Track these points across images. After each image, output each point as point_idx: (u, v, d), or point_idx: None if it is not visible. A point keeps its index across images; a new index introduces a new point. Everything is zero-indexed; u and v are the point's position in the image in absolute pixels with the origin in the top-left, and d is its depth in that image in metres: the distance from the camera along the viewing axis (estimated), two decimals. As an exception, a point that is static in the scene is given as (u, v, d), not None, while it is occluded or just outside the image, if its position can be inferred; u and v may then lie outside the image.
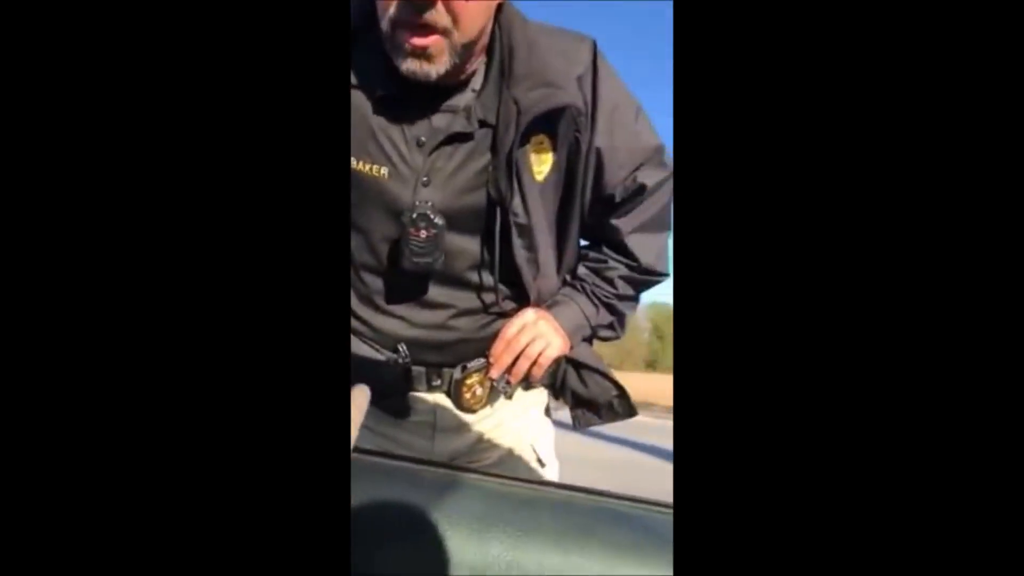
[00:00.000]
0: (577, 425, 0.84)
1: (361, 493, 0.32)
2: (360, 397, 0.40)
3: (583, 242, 0.85)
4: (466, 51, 0.66)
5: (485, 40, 0.70)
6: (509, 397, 0.81)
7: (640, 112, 0.78)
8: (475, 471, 0.42)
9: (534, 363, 0.76)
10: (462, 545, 0.36)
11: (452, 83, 0.70)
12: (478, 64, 0.71)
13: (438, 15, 0.61)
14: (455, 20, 0.62)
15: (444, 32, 0.63)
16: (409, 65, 0.64)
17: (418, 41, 0.62)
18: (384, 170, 0.71)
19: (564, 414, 0.87)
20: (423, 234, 0.69)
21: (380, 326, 0.75)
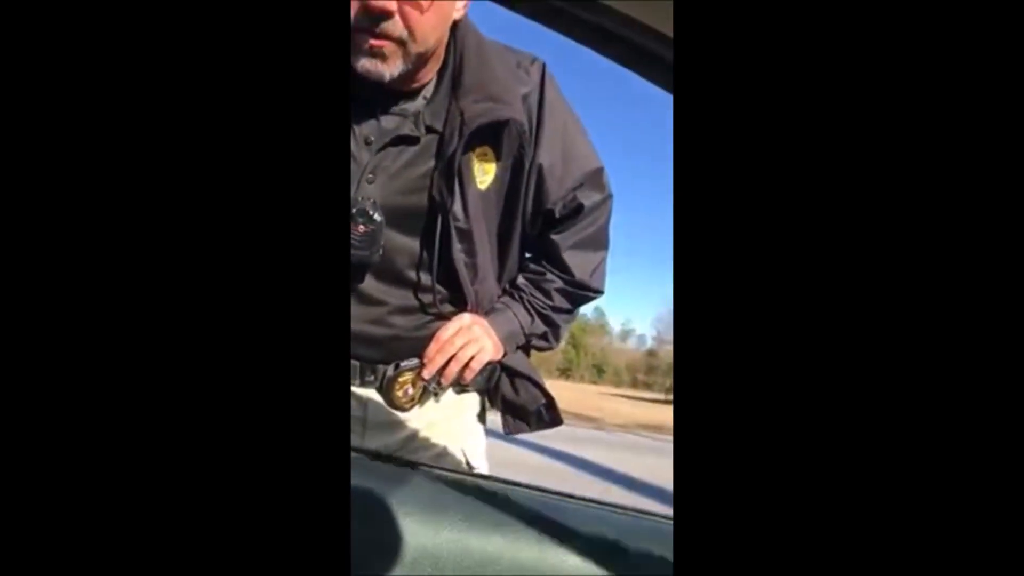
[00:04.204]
0: (507, 431, 0.88)
1: None
2: None
3: (527, 255, 0.88)
4: (420, 59, 0.69)
5: (440, 52, 0.73)
6: (437, 399, 0.82)
7: (583, 134, 0.83)
8: (425, 464, 0.45)
9: (466, 366, 0.79)
10: (415, 529, 0.39)
11: (405, 89, 0.72)
12: (432, 74, 0.74)
13: (393, 26, 0.65)
14: (410, 32, 0.66)
15: (399, 42, 0.66)
16: (364, 64, 0.67)
17: (374, 41, 0.66)
18: None
19: (497, 420, 0.90)
20: (361, 229, 0.71)
21: None
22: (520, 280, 0.86)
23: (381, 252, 0.72)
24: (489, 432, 0.91)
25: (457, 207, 0.73)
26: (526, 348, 0.87)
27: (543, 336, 0.87)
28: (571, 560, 0.41)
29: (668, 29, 0.33)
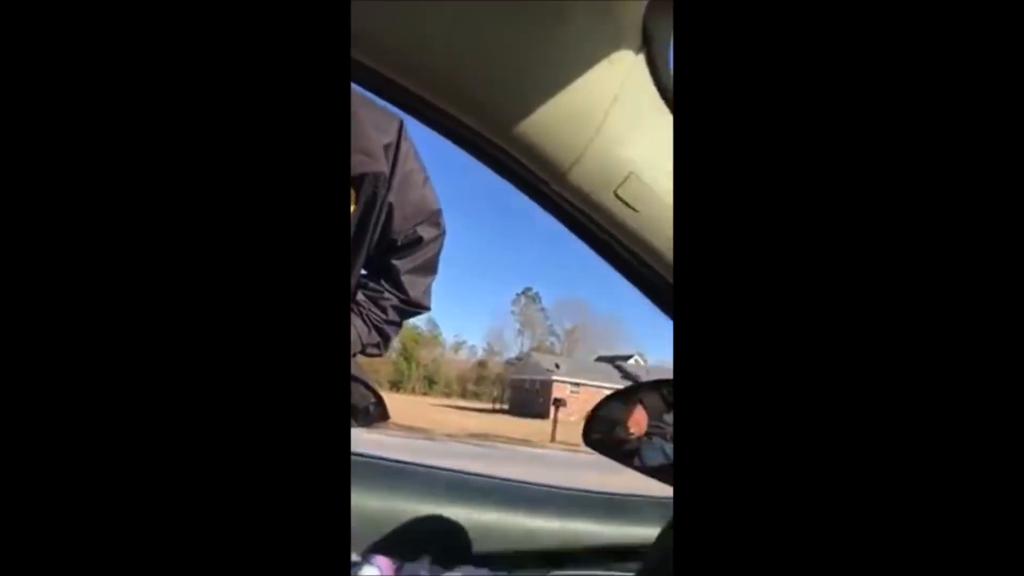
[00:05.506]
0: None
1: None
2: None
3: (363, 272, 1.01)
4: None
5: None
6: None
7: (427, 181, 0.99)
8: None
9: (309, 372, 0.89)
10: None
11: None
12: None
13: None
14: None
15: None
16: None
17: None
18: None
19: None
20: None
21: None
22: (360, 296, 0.99)
23: None
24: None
25: None
26: (355, 354, 1.00)
27: (376, 345, 1.01)
28: (423, 508, 0.53)
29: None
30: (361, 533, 0.52)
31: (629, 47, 0.36)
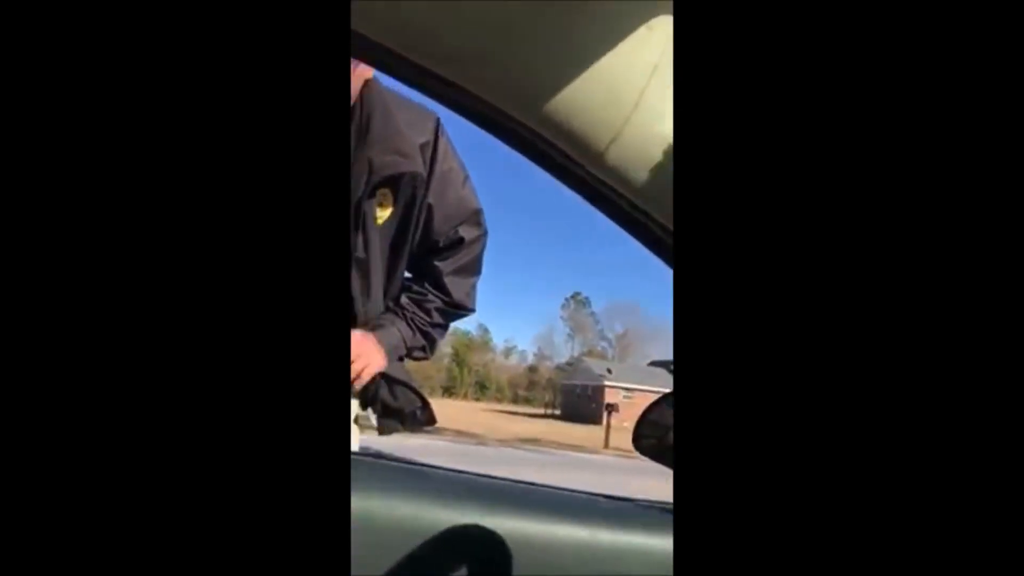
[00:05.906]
0: (381, 432, 0.99)
1: None
2: None
3: (407, 275, 1.01)
4: None
5: (350, 104, 0.84)
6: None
7: (467, 180, 0.98)
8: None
9: (356, 378, 0.89)
10: None
11: None
12: None
13: None
14: None
15: None
16: None
17: None
18: None
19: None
20: None
21: None
22: (404, 300, 0.99)
23: None
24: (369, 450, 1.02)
25: (359, 241, 0.86)
26: (402, 358, 0.99)
27: (421, 348, 1.00)
28: (460, 517, 0.54)
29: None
30: (391, 542, 0.50)
31: (668, 11, 0.33)
